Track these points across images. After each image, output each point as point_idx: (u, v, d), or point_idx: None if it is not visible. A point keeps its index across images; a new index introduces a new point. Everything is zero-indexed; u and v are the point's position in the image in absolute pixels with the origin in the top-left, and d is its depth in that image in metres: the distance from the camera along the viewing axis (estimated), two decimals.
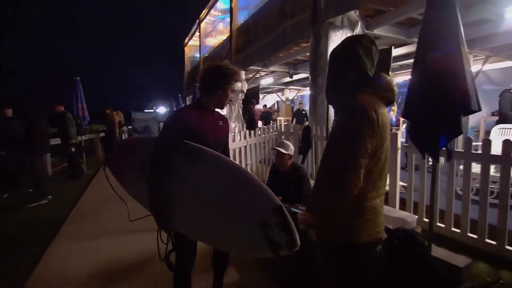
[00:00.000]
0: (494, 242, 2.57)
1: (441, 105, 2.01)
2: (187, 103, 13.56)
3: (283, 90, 13.55)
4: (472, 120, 6.71)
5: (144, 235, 1.68)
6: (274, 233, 1.24)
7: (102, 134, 9.60)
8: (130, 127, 18.51)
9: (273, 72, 9.62)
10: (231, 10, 8.31)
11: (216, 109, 1.85)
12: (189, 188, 1.55)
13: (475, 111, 2.00)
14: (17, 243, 3.22)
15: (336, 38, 4.24)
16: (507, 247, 2.50)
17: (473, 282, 2.21)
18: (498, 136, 4.74)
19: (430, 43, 2.08)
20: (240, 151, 4.48)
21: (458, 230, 2.83)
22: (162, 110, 25.37)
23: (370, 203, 1.34)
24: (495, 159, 2.59)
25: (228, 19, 8.69)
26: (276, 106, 16.93)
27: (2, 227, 3.69)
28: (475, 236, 2.69)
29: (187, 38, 14.36)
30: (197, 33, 12.34)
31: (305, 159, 5.03)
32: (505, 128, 4.78)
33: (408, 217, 2.68)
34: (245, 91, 9.01)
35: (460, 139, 3.64)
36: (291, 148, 2.87)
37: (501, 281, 2.20)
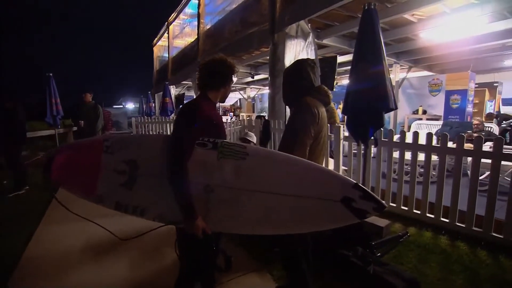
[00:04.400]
0: (406, 208, 3.13)
1: (368, 104, 2.42)
2: (156, 100, 13.18)
3: (245, 89, 13.81)
4: (400, 116, 7.60)
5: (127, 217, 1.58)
6: (359, 203, 1.28)
7: (75, 128, 9.14)
8: None
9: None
10: (198, 15, 8.33)
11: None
12: (241, 182, 1.38)
13: (392, 109, 2.46)
14: (3, 228, 3.13)
15: (291, 46, 4.60)
16: (414, 210, 3.07)
17: (389, 236, 2.72)
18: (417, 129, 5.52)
19: (362, 57, 2.48)
20: None
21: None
22: (130, 106, 24.26)
23: None
24: (408, 146, 3.12)
25: (196, 23, 8.70)
26: (238, 103, 17.20)
27: None
28: (394, 205, 3.24)
29: (156, 39, 13.92)
30: (165, 35, 12.05)
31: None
32: (421, 124, 5.58)
33: None
34: None
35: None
36: (254, 137, 3.19)
37: (408, 233, 2.74)
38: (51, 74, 6.53)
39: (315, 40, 5.13)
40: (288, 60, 4.64)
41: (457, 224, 2.74)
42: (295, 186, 1.34)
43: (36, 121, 9.10)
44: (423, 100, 7.57)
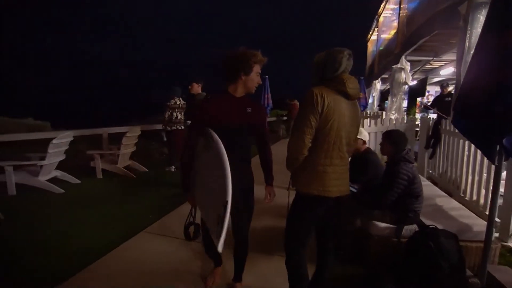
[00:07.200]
0: None
1: (497, 92, 1.52)
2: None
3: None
4: None
5: None
6: (219, 226, 1.21)
7: (284, 118, 11.54)
8: None
9: (452, 61, 7.81)
10: (400, 2, 7.45)
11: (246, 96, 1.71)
12: (204, 170, 1.64)
13: None
14: None
15: (480, 17, 3.23)
16: None
17: None
18: None
19: (492, 21, 1.60)
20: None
21: None
22: None
23: (322, 168, 1.50)
24: None
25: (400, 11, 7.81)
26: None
27: None
28: None
29: (370, 34, 13.69)
30: (376, 28, 11.66)
31: (433, 155, 4.27)
32: None
33: (477, 226, 2.08)
34: (409, 83, 7.94)
35: None
36: (364, 134, 2.86)
37: None
38: (266, 77, 8.93)
39: None
40: (473, 40, 3.35)
41: None
42: (213, 185, 1.44)
43: None
44: None
